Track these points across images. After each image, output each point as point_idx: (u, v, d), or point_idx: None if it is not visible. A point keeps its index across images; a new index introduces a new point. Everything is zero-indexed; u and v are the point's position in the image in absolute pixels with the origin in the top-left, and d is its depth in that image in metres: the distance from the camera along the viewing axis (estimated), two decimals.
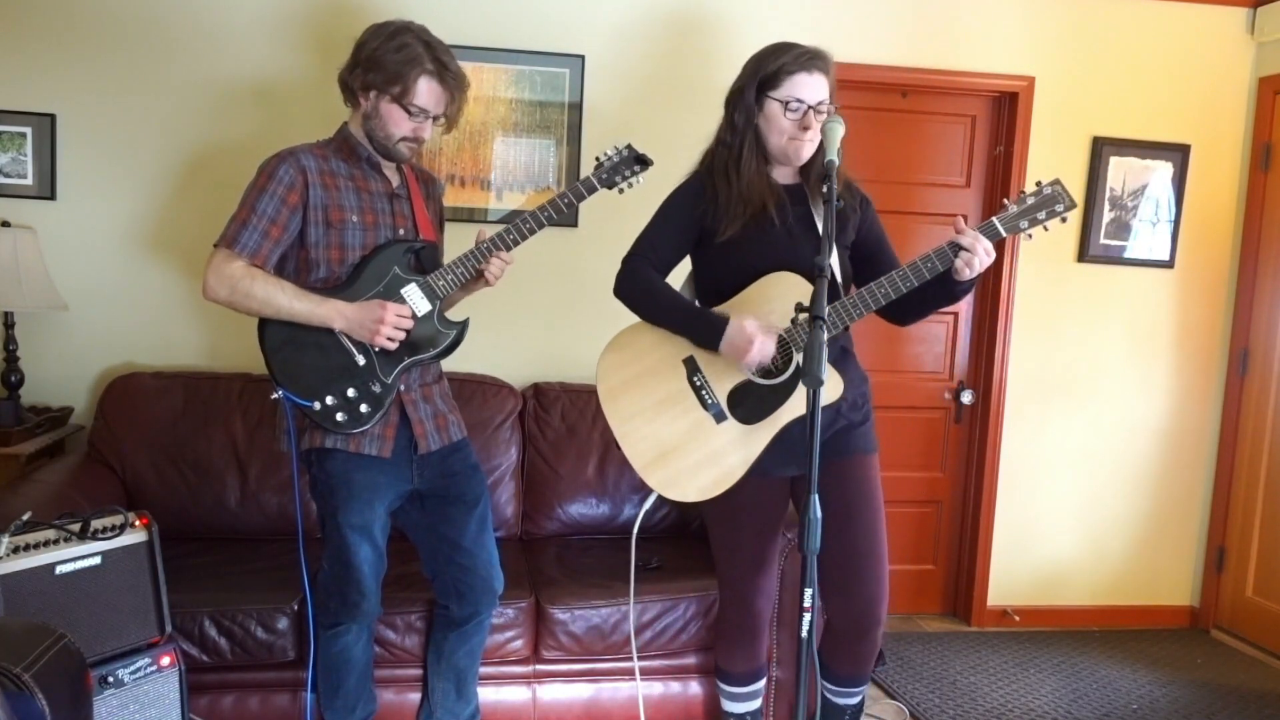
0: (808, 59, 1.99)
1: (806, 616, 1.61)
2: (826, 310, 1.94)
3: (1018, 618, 3.69)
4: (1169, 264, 3.64)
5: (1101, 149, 3.54)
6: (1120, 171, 3.56)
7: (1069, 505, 3.72)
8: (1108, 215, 3.58)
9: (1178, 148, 3.58)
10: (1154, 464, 3.76)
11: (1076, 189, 3.55)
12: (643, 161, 2.25)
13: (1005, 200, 1.99)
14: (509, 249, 2.18)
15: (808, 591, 1.62)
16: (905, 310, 2.11)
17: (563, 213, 2.20)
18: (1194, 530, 3.82)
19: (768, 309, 2.00)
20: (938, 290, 2.00)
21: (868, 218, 2.15)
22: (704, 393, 2.07)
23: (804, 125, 1.99)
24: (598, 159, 2.26)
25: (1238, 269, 3.69)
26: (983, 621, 3.68)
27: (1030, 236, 1.98)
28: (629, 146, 2.25)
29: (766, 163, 2.07)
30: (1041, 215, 1.94)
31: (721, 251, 2.07)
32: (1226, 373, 3.74)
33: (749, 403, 2.04)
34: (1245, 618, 3.67)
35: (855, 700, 2.30)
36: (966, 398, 3.64)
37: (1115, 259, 3.61)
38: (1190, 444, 3.78)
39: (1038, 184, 1.96)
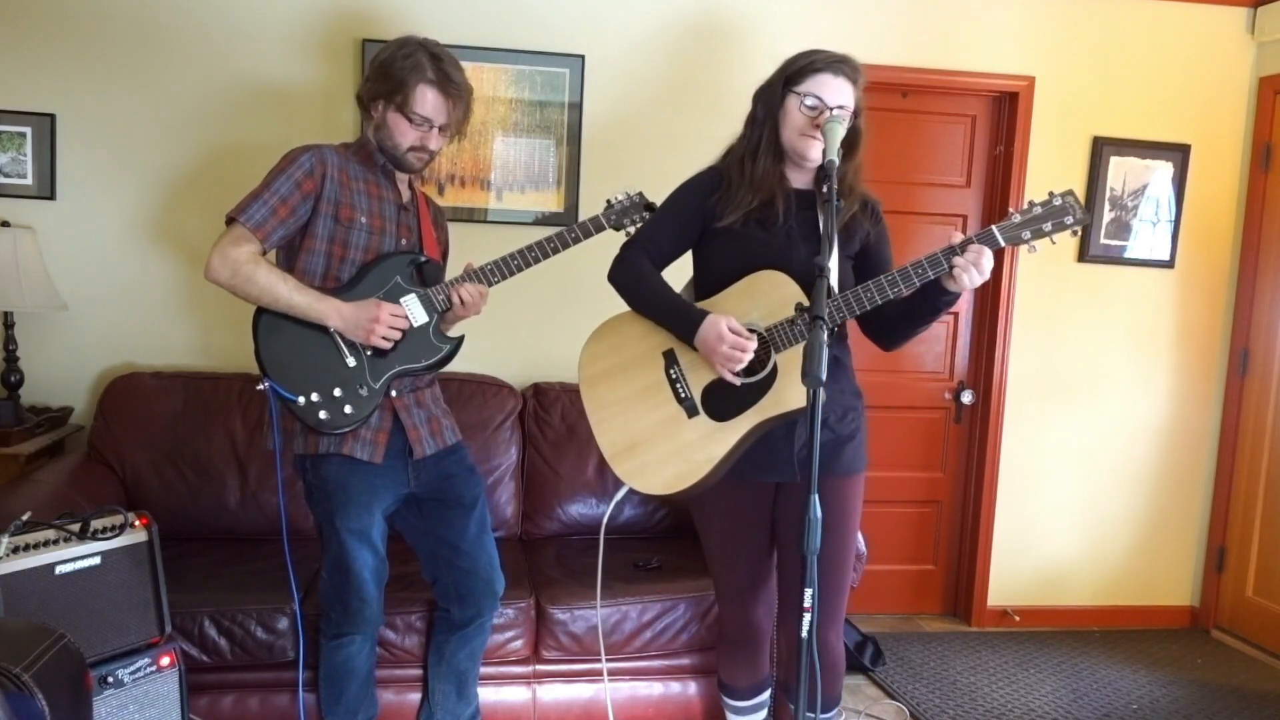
0: (835, 61, 2.00)
1: (806, 617, 1.61)
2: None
3: (1018, 618, 3.69)
4: (1169, 264, 3.64)
5: (1102, 149, 3.53)
6: (1120, 171, 3.56)
7: (1069, 505, 3.72)
8: (1108, 215, 3.58)
9: (1178, 148, 3.58)
10: (1154, 464, 3.76)
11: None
12: (651, 209, 2.30)
13: (1010, 209, 1.94)
14: (514, 273, 2.21)
15: (808, 592, 1.62)
16: (889, 326, 2.08)
17: (568, 245, 2.25)
18: (1194, 530, 3.82)
19: (749, 305, 1.99)
20: (921, 303, 1.97)
21: (876, 231, 2.13)
22: (679, 386, 2.05)
23: (816, 124, 1.97)
24: (609, 201, 2.32)
25: (1238, 269, 3.68)
26: (983, 621, 3.68)
27: (1034, 249, 1.89)
28: (640, 194, 2.32)
29: (781, 161, 2.06)
30: (1047, 227, 1.85)
31: (719, 241, 2.06)
32: (1226, 373, 3.74)
33: (722, 399, 2.02)
34: (1245, 618, 3.67)
35: None
36: (966, 398, 3.64)
37: (1116, 259, 3.61)
38: (1190, 444, 3.78)
39: (1050, 194, 1.86)
